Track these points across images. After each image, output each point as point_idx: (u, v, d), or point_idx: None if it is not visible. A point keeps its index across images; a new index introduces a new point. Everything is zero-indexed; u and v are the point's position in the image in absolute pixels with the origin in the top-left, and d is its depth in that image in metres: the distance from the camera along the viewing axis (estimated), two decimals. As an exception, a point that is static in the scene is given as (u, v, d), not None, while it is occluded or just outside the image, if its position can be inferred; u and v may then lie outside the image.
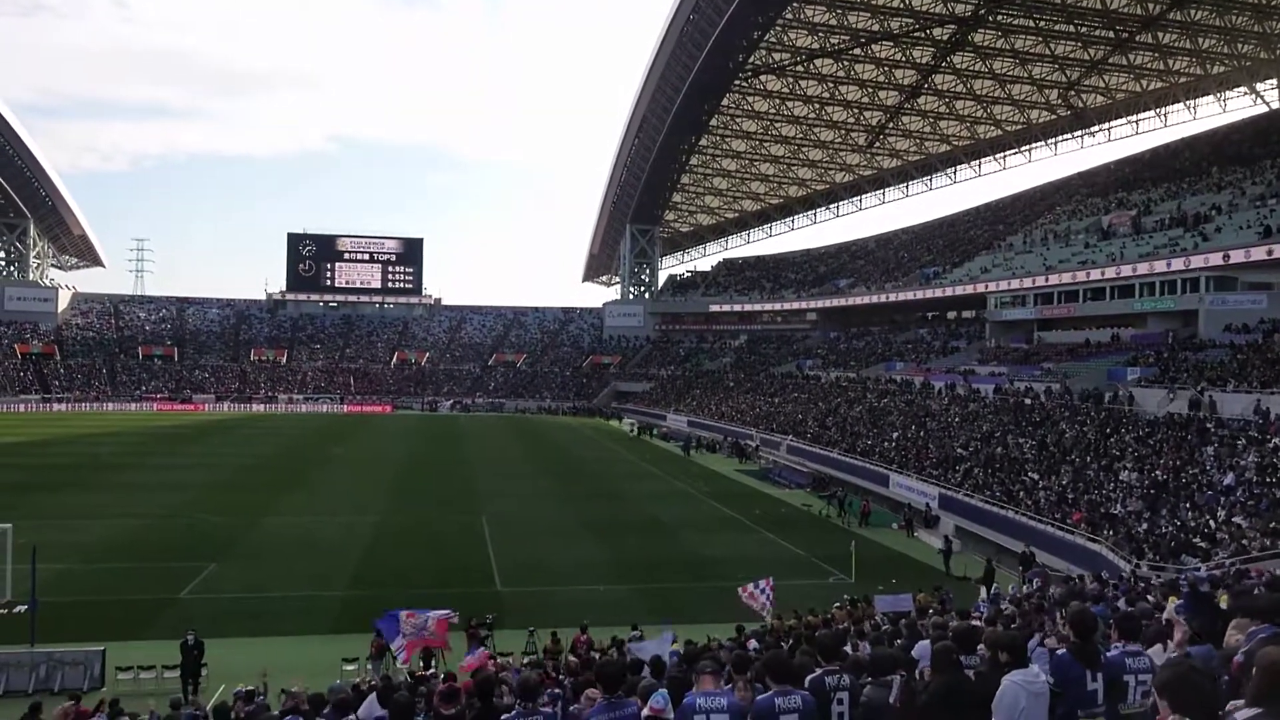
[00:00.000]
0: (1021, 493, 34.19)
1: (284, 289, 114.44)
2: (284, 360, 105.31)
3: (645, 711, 6.76)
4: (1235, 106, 68.97)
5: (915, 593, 23.11)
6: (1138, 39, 62.36)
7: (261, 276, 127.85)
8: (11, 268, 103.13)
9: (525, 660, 17.52)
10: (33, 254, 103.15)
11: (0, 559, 23.57)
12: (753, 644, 15.36)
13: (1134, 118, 74.30)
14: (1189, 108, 70.69)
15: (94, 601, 24.49)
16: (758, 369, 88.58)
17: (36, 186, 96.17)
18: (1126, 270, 50.32)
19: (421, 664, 18.35)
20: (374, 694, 10.71)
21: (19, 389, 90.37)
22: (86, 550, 29.66)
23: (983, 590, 26.18)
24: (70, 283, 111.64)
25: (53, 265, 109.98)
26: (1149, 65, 67.26)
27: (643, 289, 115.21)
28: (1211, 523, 25.87)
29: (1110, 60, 66.24)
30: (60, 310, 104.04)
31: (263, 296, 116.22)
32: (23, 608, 21.53)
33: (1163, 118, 72.86)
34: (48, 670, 18.73)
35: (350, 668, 19.00)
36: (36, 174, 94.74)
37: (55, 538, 29.12)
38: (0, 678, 18.56)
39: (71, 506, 37.21)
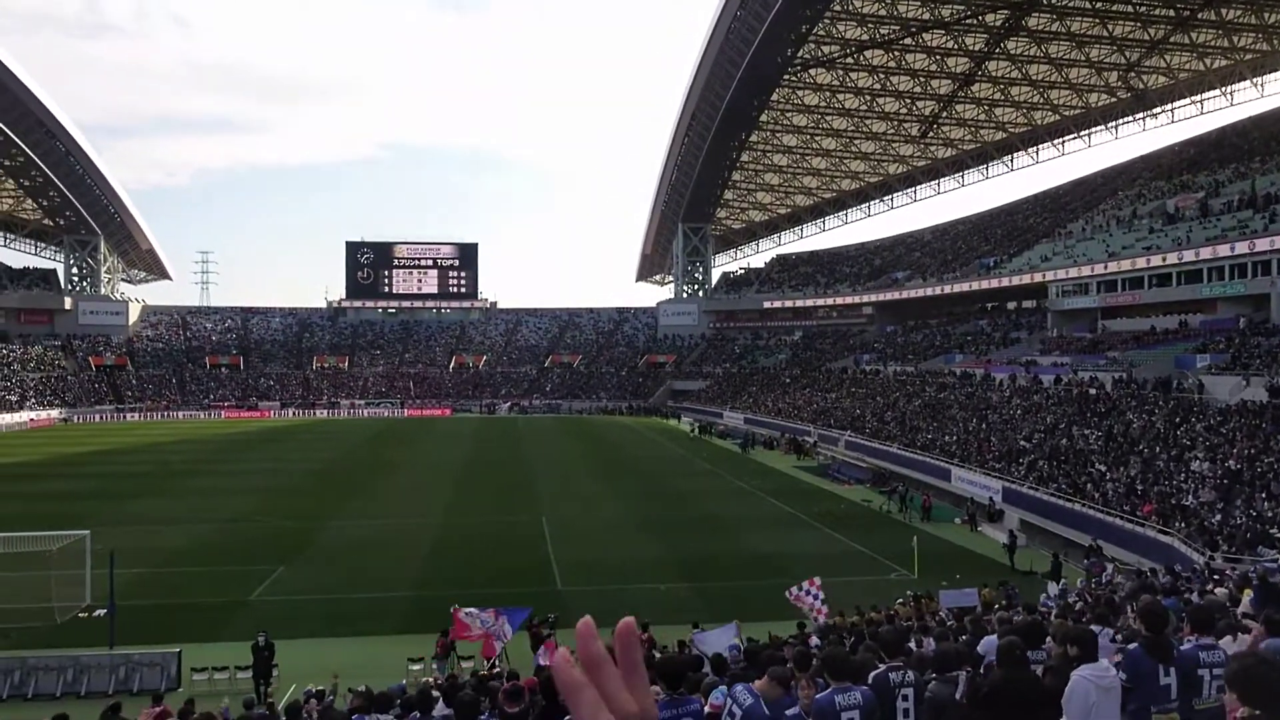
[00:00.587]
0: (1089, 485, 33.45)
1: (344, 296, 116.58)
2: (345, 366, 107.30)
3: (706, 709, 6.77)
4: (1306, 82, 66.73)
5: (980, 587, 22.78)
6: (1200, 16, 60.57)
7: (322, 284, 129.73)
8: (84, 283, 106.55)
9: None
10: (103, 269, 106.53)
11: (80, 565, 24.35)
12: (814, 640, 15.29)
13: (1198, 97, 72.15)
14: (1256, 85, 68.45)
15: (169, 605, 25.20)
16: (814, 364, 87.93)
17: (106, 204, 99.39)
18: (1193, 255, 48.94)
19: (487, 663, 18.59)
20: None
21: (94, 400, 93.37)
22: (161, 555, 30.52)
23: (1050, 585, 25.70)
24: (139, 296, 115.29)
25: (122, 279, 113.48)
26: (1213, 43, 65.28)
27: (696, 287, 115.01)
28: (1290, 513, 25.07)
29: (1171, 39, 64.43)
30: (131, 323, 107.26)
31: (323, 304, 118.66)
32: (102, 611, 22.29)
33: (1229, 96, 70.60)
34: (126, 672, 19.35)
35: (416, 667, 19.32)
36: (105, 192, 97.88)
37: (131, 543, 30.06)
38: (81, 679, 19.22)
39: (146, 513, 38.32)
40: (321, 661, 19.88)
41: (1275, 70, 66.91)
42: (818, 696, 6.05)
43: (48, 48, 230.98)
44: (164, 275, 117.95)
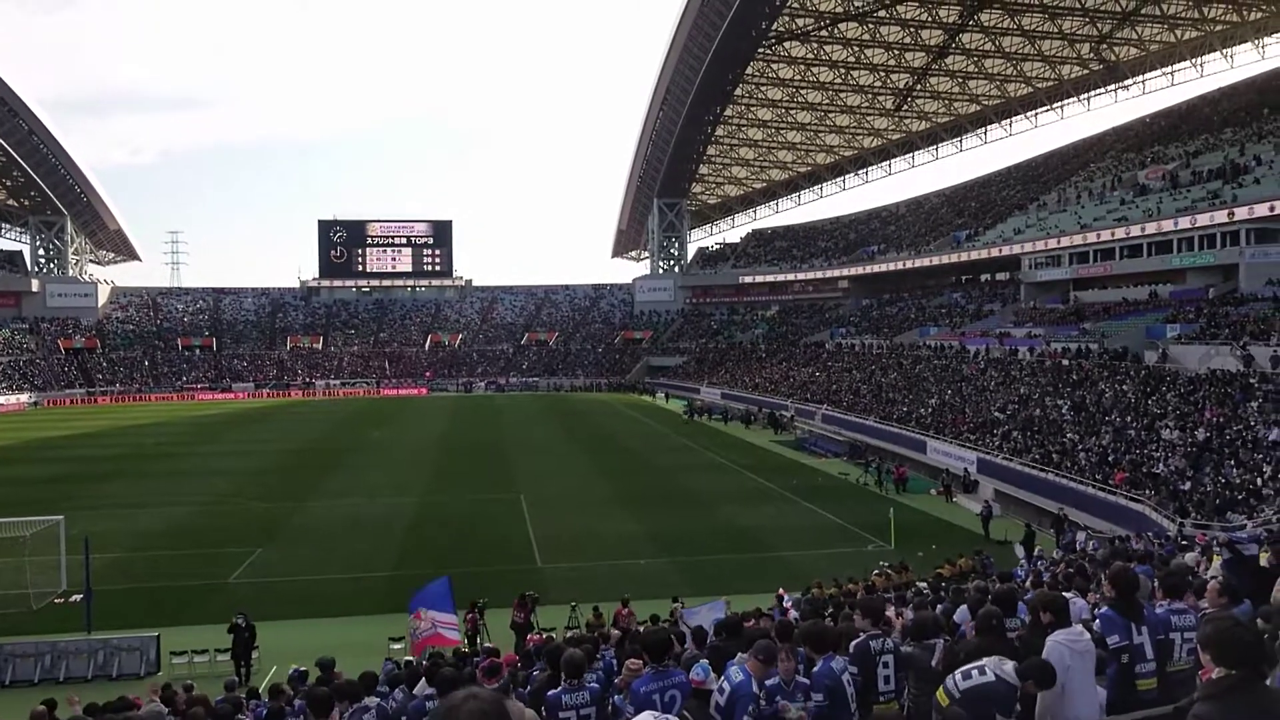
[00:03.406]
0: (1061, 455, 33.84)
1: (317, 276, 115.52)
2: (320, 346, 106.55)
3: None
4: (1275, 53, 67.36)
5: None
6: (1170, -13, 60.85)
7: (294, 264, 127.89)
8: (51, 264, 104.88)
9: (568, 634, 17.70)
10: (71, 250, 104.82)
11: (54, 550, 24.14)
12: (793, 614, 15.42)
13: (1169, 69, 72.53)
14: (1226, 56, 68.85)
15: (147, 588, 25.06)
16: (790, 339, 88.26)
17: (71, 183, 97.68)
18: (1164, 225, 49.38)
19: (466, 642, 18.62)
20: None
21: (64, 383, 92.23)
22: (137, 538, 30.32)
23: (1017, 547, 26.06)
24: (108, 277, 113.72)
25: (91, 261, 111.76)
26: (1183, 14, 65.57)
27: (672, 263, 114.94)
28: (1258, 479, 25.49)
29: (1143, 10, 64.69)
30: (100, 305, 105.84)
31: (296, 284, 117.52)
32: (78, 597, 22.10)
33: (1199, 68, 71.03)
34: (105, 657, 19.22)
35: (397, 646, 19.32)
36: (71, 171, 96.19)
37: (106, 527, 29.88)
38: (60, 665, 19.07)
39: (121, 496, 38.00)
40: (302, 643, 19.85)
41: (1244, 41, 67.32)
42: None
43: (1, 21, 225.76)
44: (133, 256, 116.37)
